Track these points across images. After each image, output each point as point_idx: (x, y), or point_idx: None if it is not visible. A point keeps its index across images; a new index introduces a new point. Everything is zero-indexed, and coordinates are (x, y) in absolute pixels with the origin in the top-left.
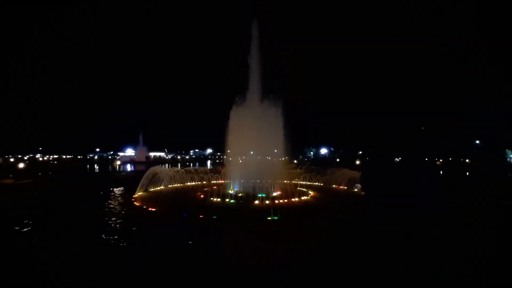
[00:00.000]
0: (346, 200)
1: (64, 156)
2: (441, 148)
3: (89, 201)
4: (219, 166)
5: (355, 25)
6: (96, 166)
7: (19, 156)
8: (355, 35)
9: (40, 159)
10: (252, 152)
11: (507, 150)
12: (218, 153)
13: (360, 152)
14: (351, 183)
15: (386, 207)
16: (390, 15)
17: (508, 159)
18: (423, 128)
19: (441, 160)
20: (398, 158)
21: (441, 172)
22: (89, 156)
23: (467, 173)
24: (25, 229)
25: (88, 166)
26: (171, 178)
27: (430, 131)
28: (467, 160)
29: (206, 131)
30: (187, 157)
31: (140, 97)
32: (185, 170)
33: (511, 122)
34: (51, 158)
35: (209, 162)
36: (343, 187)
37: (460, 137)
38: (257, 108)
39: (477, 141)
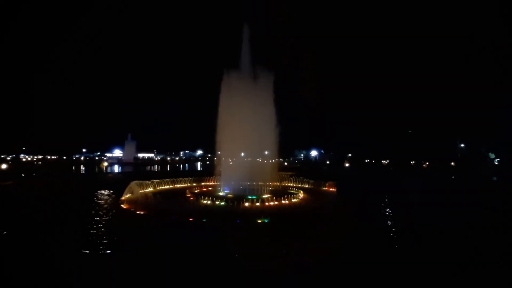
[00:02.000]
0: (335, 202)
1: (49, 157)
2: (428, 151)
3: (74, 204)
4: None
5: (348, 26)
6: (82, 167)
7: (2, 156)
8: (346, 36)
9: (24, 159)
10: (242, 154)
11: (490, 154)
12: (209, 155)
13: (350, 155)
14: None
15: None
16: (378, 16)
17: (492, 161)
18: (410, 131)
19: (427, 163)
20: (386, 160)
21: (427, 175)
22: (75, 157)
23: (452, 176)
24: (5, 233)
25: (74, 167)
26: (160, 182)
27: (417, 134)
28: (452, 163)
29: (197, 132)
30: (177, 158)
31: (129, 96)
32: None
33: (494, 126)
34: (35, 159)
35: (199, 164)
36: (333, 189)
37: (445, 141)
38: (248, 110)
39: (462, 145)
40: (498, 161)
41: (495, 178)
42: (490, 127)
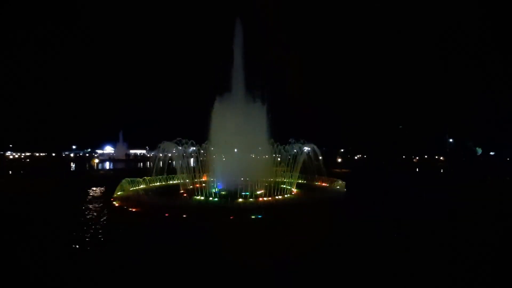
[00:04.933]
0: (328, 197)
1: (37, 154)
2: (418, 146)
3: (64, 201)
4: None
5: (338, 23)
6: (72, 164)
7: None
8: (336, 34)
9: (11, 156)
10: (236, 150)
11: (477, 148)
12: (202, 151)
13: (342, 150)
14: (332, 181)
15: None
16: (368, 14)
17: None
18: (401, 126)
19: (417, 158)
20: (377, 156)
21: (417, 169)
22: (64, 154)
23: (441, 170)
24: None
25: (63, 164)
26: (153, 178)
27: (408, 129)
28: (441, 158)
29: (189, 128)
30: (170, 154)
31: (120, 92)
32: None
33: (481, 121)
34: (22, 156)
35: (192, 160)
36: (325, 184)
37: (435, 136)
38: (241, 105)
39: (451, 140)
40: (483, 156)
41: (481, 173)
42: (476, 122)
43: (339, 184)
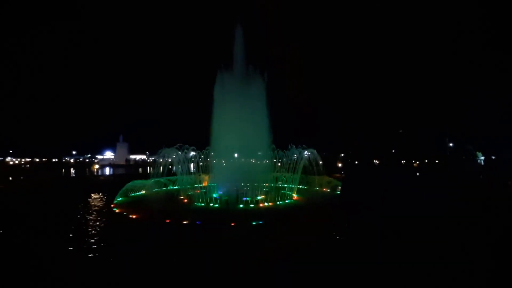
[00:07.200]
0: (329, 202)
1: (37, 160)
2: (418, 150)
3: (63, 208)
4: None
5: (338, 26)
6: (72, 170)
7: None
8: (336, 35)
9: (11, 162)
10: (236, 155)
11: (477, 152)
12: (202, 156)
13: (342, 155)
14: (333, 186)
15: (366, 209)
16: (368, 16)
17: (479, 160)
18: (400, 131)
19: (417, 162)
20: (377, 160)
21: (417, 174)
22: (64, 159)
23: (441, 174)
24: None
25: (63, 169)
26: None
27: (408, 134)
28: (441, 162)
29: (189, 133)
30: (170, 160)
31: (120, 97)
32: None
33: (481, 126)
34: (23, 162)
35: (192, 165)
36: (326, 190)
37: (435, 140)
38: (242, 111)
39: (451, 144)
40: (483, 160)
41: (481, 177)
42: (476, 125)
43: (340, 189)
